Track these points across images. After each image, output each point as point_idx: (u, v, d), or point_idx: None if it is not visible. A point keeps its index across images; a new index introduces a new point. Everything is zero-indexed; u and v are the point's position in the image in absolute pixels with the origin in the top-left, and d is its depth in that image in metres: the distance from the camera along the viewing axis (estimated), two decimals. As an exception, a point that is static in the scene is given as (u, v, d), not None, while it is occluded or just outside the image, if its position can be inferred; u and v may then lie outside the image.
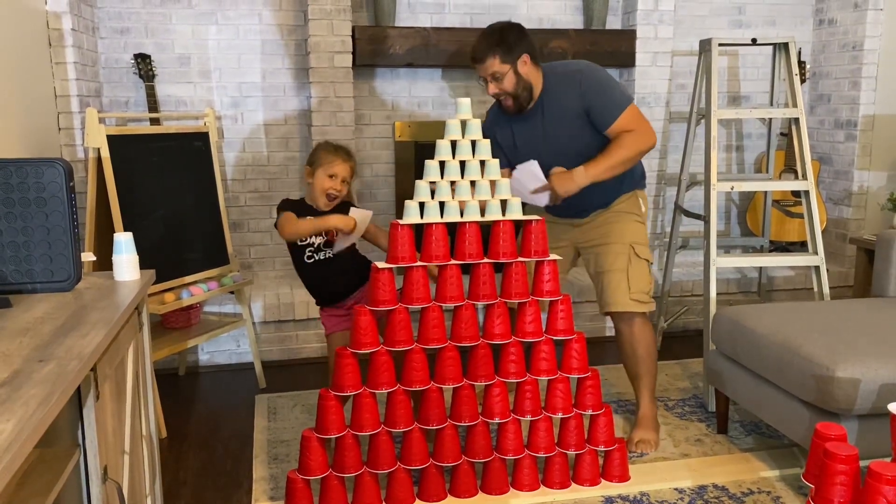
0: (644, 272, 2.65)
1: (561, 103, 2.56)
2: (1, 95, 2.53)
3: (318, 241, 2.59)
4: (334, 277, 2.63)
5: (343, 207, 2.60)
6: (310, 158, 2.63)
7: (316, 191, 2.58)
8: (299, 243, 2.59)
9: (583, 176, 2.47)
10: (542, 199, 2.55)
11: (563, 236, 2.77)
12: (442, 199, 2.27)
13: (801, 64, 4.06)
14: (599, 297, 2.69)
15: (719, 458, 2.59)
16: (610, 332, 3.89)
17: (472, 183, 2.31)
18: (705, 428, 2.82)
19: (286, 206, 2.60)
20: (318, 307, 2.74)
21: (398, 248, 2.24)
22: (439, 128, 3.87)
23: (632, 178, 2.70)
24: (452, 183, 2.29)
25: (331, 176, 2.55)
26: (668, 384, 3.23)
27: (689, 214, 3.51)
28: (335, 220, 2.50)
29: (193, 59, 3.62)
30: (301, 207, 2.60)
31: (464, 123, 2.33)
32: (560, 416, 2.38)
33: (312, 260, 2.60)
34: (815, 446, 1.96)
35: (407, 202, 2.27)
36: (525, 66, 2.51)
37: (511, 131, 2.65)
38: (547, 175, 2.52)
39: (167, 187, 3.01)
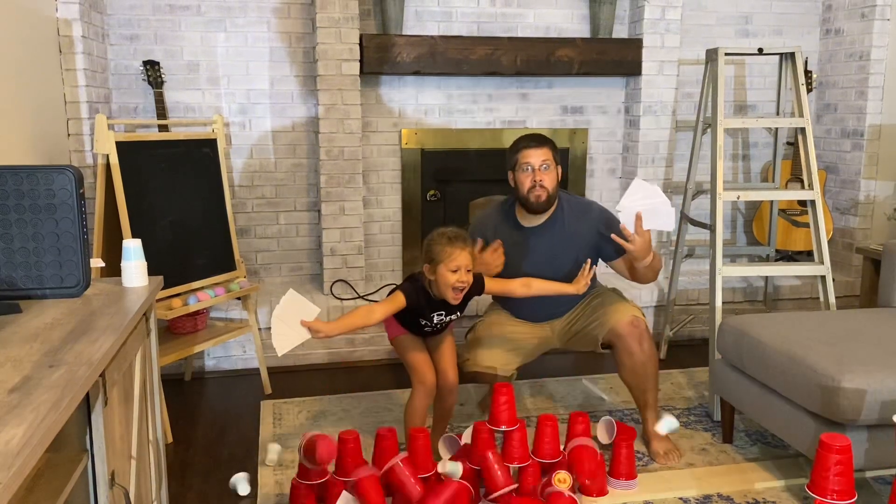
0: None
1: (576, 226, 2.69)
2: (12, 101, 2.56)
3: (438, 318, 2.50)
4: (434, 334, 2.59)
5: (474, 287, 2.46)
6: (427, 255, 2.41)
7: (442, 287, 2.40)
8: (421, 322, 2.51)
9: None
10: (670, 222, 2.48)
11: (538, 332, 2.79)
12: None
13: (808, 73, 4.06)
14: (602, 327, 2.63)
15: (724, 467, 2.59)
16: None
17: None
18: (710, 437, 2.81)
19: (408, 291, 2.43)
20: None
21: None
22: (446, 135, 3.91)
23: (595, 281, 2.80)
24: None
25: (454, 270, 2.37)
26: (674, 393, 3.23)
27: (695, 223, 3.51)
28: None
29: (202, 67, 3.65)
30: (423, 298, 2.45)
31: None
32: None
33: (428, 329, 2.55)
34: (820, 456, 1.96)
35: None
36: (559, 172, 2.66)
37: (523, 234, 2.70)
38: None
39: (175, 193, 3.02)
